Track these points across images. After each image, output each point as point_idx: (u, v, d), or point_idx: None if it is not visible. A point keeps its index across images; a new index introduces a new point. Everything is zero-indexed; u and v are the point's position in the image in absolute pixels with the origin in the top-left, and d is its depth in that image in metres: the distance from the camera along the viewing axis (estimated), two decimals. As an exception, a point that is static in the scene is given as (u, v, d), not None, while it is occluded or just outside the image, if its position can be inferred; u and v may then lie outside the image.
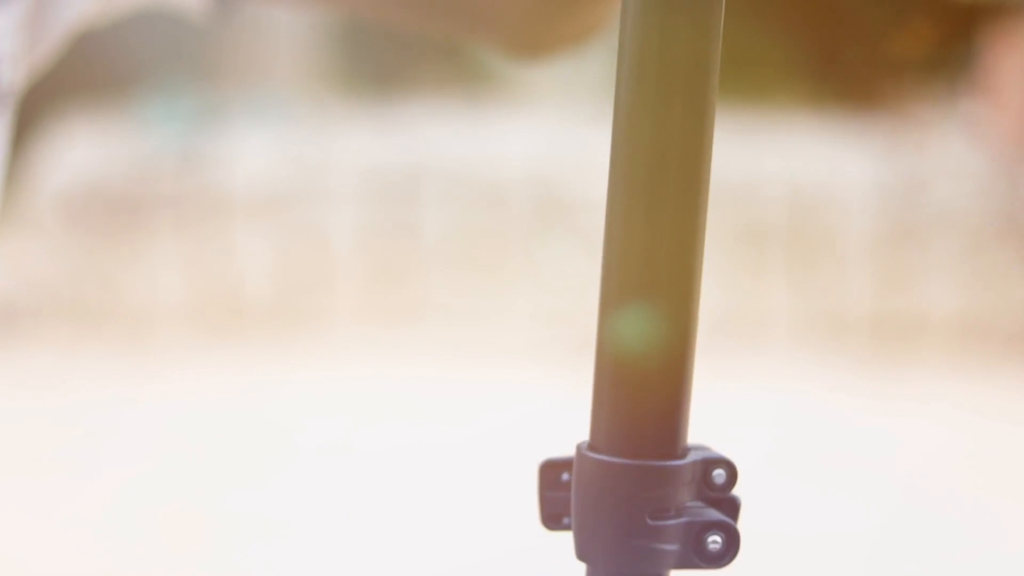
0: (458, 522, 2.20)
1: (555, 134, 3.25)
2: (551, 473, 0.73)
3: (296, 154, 3.13)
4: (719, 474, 0.68)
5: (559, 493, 0.72)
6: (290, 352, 2.94)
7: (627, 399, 0.67)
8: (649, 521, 0.66)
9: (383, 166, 3.10)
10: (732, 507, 0.69)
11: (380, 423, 2.62)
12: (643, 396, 0.67)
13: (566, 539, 0.70)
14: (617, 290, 0.66)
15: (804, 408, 2.74)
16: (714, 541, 0.67)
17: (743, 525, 0.67)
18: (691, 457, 0.67)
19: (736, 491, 0.68)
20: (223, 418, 2.61)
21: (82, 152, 3.13)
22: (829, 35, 3.99)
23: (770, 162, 3.13)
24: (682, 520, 0.67)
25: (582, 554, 0.69)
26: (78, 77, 3.52)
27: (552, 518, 0.73)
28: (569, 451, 0.72)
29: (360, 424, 2.61)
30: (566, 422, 2.69)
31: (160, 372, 2.84)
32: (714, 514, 0.67)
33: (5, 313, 3.00)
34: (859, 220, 3.06)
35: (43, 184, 3.08)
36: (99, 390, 2.74)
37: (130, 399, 2.70)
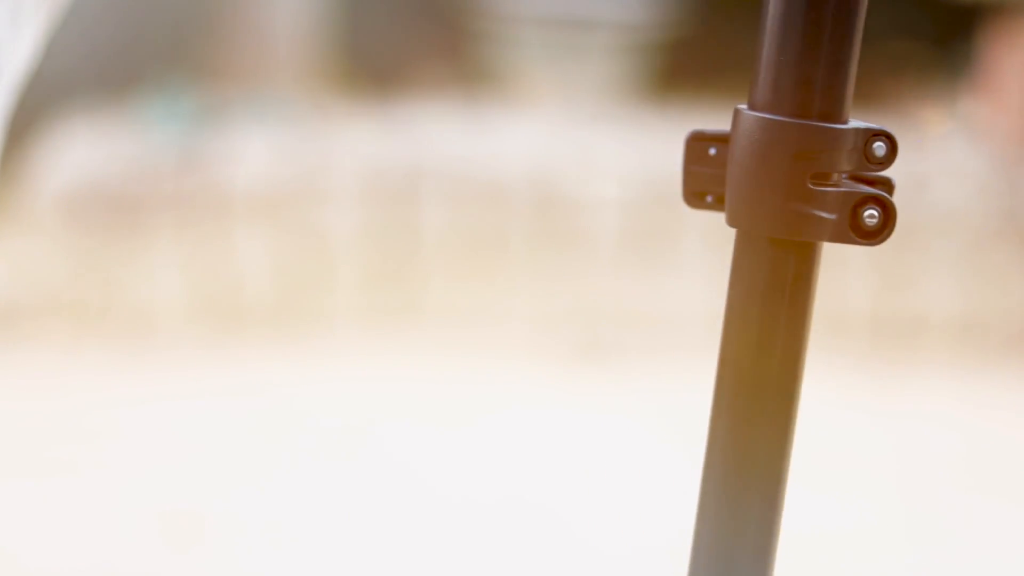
0: (460, 524, 2.19)
1: (555, 134, 3.25)
2: (699, 147, 0.69)
3: (296, 154, 3.13)
4: (880, 146, 0.65)
5: (705, 168, 0.69)
6: (290, 352, 2.94)
7: (795, 56, 0.64)
8: (810, 185, 0.63)
9: (383, 166, 3.10)
10: (888, 190, 0.67)
11: (380, 424, 2.62)
12: (811, 54, 0.64)
13: (708, 217, 0.67)
14: None
15: (803, 408, 2.74)
16: (871, 215, 0.64)
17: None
18: (854, 124, 0.65)
19: (891, 172, 0.65)
20: (223, 418, 2.61)
21: (82, 152, 3.12)
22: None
23: (770, 162, 3.13)
24: (841, 189, 0.64)
25: (734, 219, 0.65)
26: (78, 77, 3.52)
27: (695, 195, 0.70)
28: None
29: (360, 424, 2.60)
30: (567, 424, 2.70)
31: (160, 372, 2.83)
32: (873, 189, 0.64)
33: (5, 313, 3.00)
34: (859, 220, 3.06)
35: (43, 184, 3.07)
36: (99, 390, 2.74)
37: (130, 399, 2.69)
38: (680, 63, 3.76)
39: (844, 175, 0.65)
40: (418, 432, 2.57)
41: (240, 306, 3.05)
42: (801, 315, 0.66)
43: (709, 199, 0.70)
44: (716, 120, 3.41)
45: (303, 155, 3.13)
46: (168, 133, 3.14)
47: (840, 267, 3.06)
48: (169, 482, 2.31)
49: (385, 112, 3.38)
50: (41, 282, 3.03)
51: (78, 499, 2.24)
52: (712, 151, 0.68)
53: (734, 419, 0.66)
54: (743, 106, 0.65)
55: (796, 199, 0.64)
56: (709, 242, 3.01)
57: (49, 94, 3.34)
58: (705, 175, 0.70)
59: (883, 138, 0.65)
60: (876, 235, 0.65)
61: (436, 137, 3.20)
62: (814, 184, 0.64)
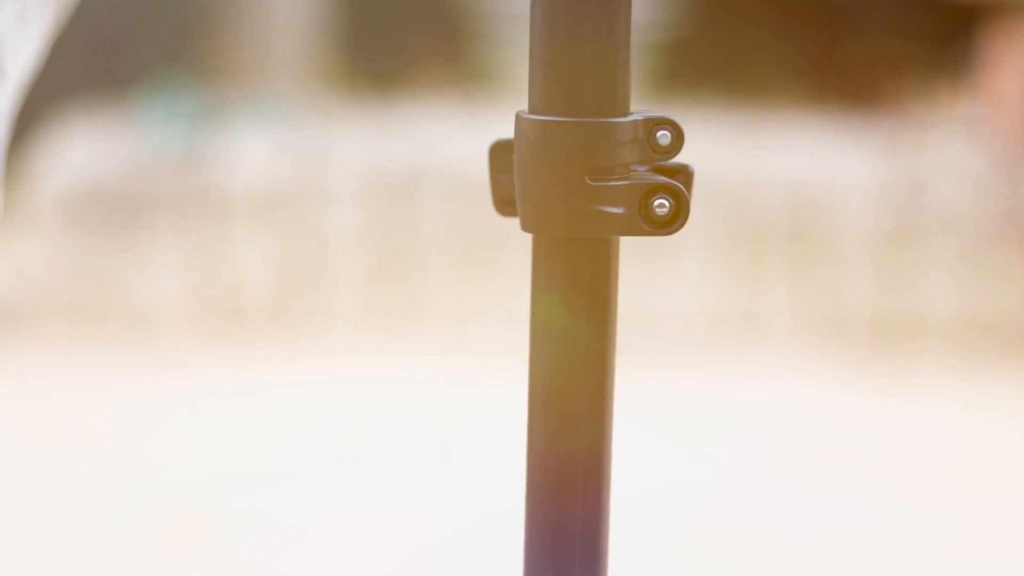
0: (460, 525, 2.19)
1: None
2: (502, 155, 0.70)
3: (296, 154, 3.13)
4: (664, 135, 0.65)
5: (510, 176, 0.69)
6: (290, 352, 2.94)
7: (565, 56, 0.64)
8: (590, 182, 0.63)
9: (383, 166, 3.10)
10: (686, 179, 0.67)
11: (381, 424, 2.62)
12: (577, 51, 0.64)
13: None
14: None
15: (803, 408, 2.74)
16: (661, 205, 0.64)
17: (695, 196, 0.64)
18: (633, 116, 0.65)
19: (686, 159, 0.65)
20: (223, 418, 2.61)
21: (82, 152, 3.12)
22: (829, 35, 3.99)
23: (770, 162, 3.13)
24: (626, 182, 0.64)
25: (527, 224, 0.66)
26: (78, 77, 3.52)
27: (504, 203, 0.70)
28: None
29: (361, 425, 2.61)
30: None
31: (160, 372, 2.83)
32: (661, 178, 0.64)
33: (5, 313, 3.00)
34: (859, 220, 3.06)
35: (43, 184, 3.07)
36: (99, 390, 2.74)
37: (130, 399, 2.69)
38: (680, 63, 3.76)
39: (645, 168, 0.65)
40: (418, 432, 2.57)
41: (240, 306, 3.05)
42: (604, 311, 0.66)
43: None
44: (719, 119, 3.39)
45: (303, 155, 3.13)
46: (168, 133, 3.14)
47: (840, 267, 3.06)
48: (169, 482, 2.31)
49: (385, 112, 3.38)
50: (41, 282, 3.03)
51: (78, 499, 2.24)
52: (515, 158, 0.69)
53: (550, 424, 0.66)
54: (523, 110, 0.66)
55: (579, 198, 0.64)
56: (710, 242, 3.01)
57: (49, 94, 3.34)
58: (511, 182, 0.70)
59: (667, 127, 0.65)
60: (669, 224, 0.64)
61: (436, 137, 3.20)
62: (595, 180, 0.64)
